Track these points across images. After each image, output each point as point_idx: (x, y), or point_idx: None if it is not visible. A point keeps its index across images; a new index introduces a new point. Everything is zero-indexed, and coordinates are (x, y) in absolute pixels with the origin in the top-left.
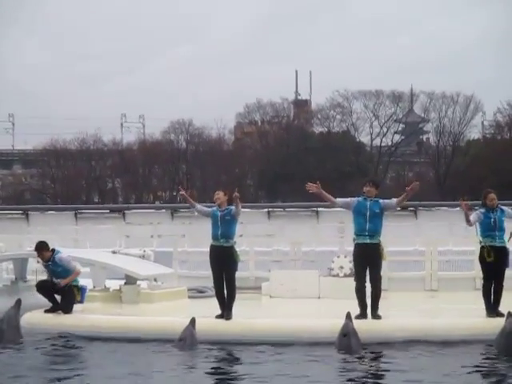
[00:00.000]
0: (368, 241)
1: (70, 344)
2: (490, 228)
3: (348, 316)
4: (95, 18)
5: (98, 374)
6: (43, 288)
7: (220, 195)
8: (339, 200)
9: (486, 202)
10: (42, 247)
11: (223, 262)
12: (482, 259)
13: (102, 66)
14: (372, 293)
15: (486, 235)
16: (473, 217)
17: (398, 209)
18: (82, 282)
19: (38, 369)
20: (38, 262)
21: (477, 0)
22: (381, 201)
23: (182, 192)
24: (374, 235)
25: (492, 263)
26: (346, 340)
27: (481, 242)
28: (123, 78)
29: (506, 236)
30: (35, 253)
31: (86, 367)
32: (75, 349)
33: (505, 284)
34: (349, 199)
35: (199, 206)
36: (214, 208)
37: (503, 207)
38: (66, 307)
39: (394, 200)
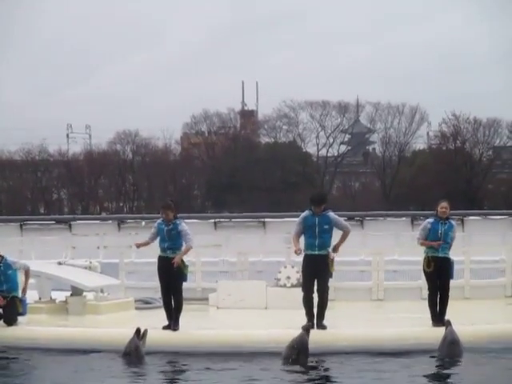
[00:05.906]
0: (317, 252)
1: (12, 356)
2: (435, 239)
3: (306, 328)
4: (44, 25)
5: None
6: None
7: (169, 215)
8: (298, 231)
9: (438, 210)
10: None
11: (170, 272)
12: (424, 269)
13: (49, 76)
14: (318, 303)
15: (429, 246)
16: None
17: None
18: (27, 293)
19: None
20: None
21: (424, 14)
22: (331, 215)
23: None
24: (324, 247)
25: (435, 274)
26: (296, 354)
27: (425, 252)
28: (69, 88)
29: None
30: None
31: (28, 380)
32: (18, 361)
33: (451, 293)
34: (300, 222)
35: (151, 240)
36: (159, 221)
37: (453, 222)
38: (9, 319)
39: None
